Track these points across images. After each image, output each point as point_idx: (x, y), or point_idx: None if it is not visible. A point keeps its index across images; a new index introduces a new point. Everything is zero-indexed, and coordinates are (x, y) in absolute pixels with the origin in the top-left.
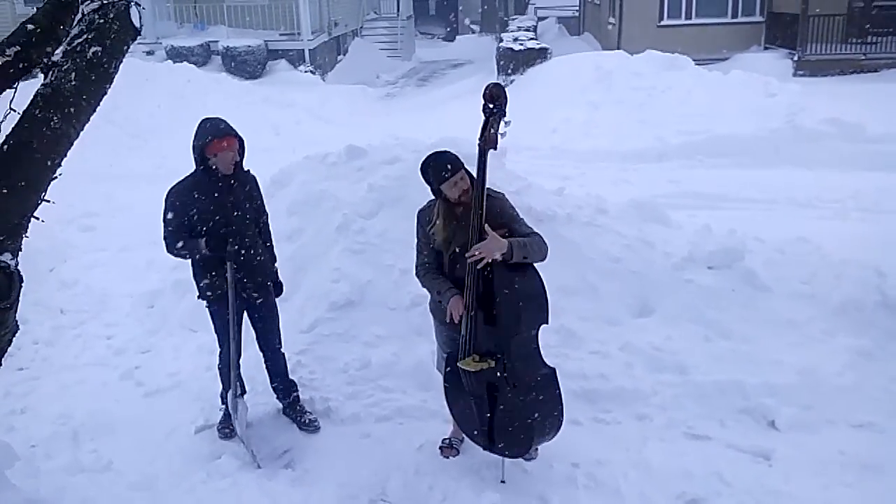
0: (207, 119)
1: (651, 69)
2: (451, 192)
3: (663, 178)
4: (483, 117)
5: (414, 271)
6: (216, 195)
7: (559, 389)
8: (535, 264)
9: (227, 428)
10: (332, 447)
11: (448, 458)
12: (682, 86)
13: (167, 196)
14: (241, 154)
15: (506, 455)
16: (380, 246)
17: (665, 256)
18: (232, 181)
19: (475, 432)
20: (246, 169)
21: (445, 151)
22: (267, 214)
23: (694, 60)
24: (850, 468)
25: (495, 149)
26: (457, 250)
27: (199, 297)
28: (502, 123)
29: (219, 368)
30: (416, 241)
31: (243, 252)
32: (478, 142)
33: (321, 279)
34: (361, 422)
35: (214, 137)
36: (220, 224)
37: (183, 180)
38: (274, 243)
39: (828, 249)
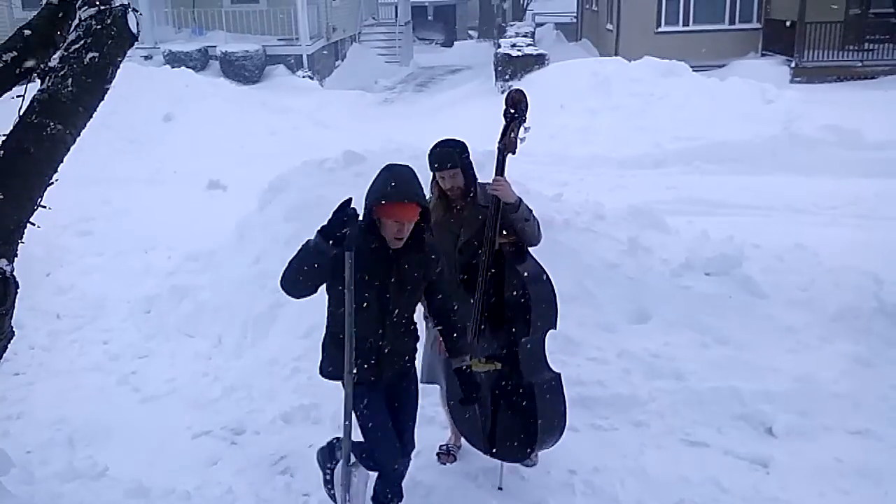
0: (392, 167)
1: (649, 76)
2: (442, 182)
3: (661, 184)
4: (504, 121)
5: None
6: (374, 266)
7: (563, 395)
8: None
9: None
10: None
11: (445, 464)
12: (679, 92)
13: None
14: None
15: (507, 460)
16: None
17: (663, 263)
18: (400, 258)
19: (476, 437)
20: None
21: (452, 145)
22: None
23: (691, 67)
24: (847, 475)
25: (514, 153)
26: (461, 250)
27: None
28: (522, 129)
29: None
30: None
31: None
32: (497, 145)
33: None
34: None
35: (384, 199)
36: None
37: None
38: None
39: (825, 256)
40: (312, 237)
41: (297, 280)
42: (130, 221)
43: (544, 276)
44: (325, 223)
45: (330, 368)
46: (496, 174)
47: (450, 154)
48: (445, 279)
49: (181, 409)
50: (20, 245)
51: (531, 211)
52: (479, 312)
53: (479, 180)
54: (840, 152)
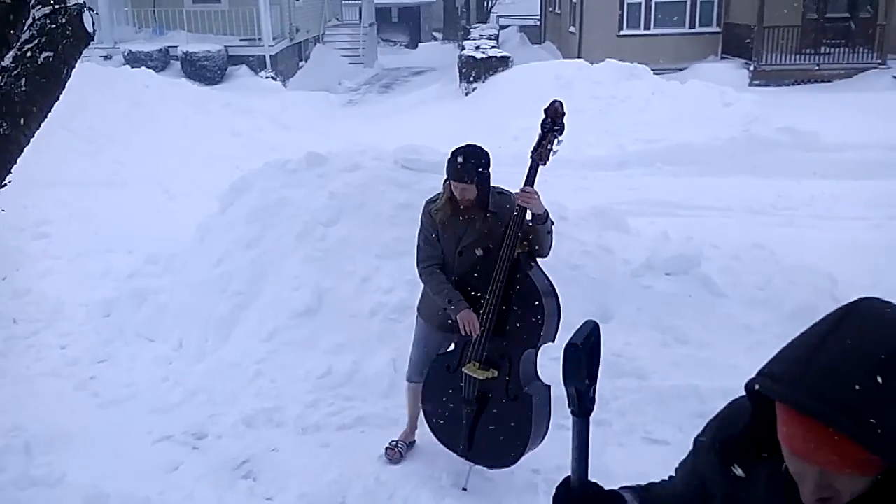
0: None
1: (610, 78)
2: (455, 190)
3: (623, 185)
4: (540, 131)
5: (417, 267)
6: None
7: (550, 406)
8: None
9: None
10: (292, 457)
11: (391, 459)
12: (640, 95)
13: None
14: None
15: (489, 465)
16: (340, 253)
17: (624, 263)
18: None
19: (453, 439)
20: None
21: (471, 158)
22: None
23: (652, 70)
24: None
25: (545, 164)
26: (461, 252)
27: None
28: (556, 141)
29: None
30: (418, 232)
31: None
32: (531, 154)
33: (281, 287)
34: (322, 430)
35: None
36: None
37: None
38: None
39: (782, 256)
40: None
41: None
42: (89, 224)
43: (553, 288)
44: None
45: None
46: (526, 184)
47: (467, 169)
48: None
49: (141, 413)
50: None
51: (553, 223)
52: (487, 317)
53: (493, 186)
54: (797, 154)
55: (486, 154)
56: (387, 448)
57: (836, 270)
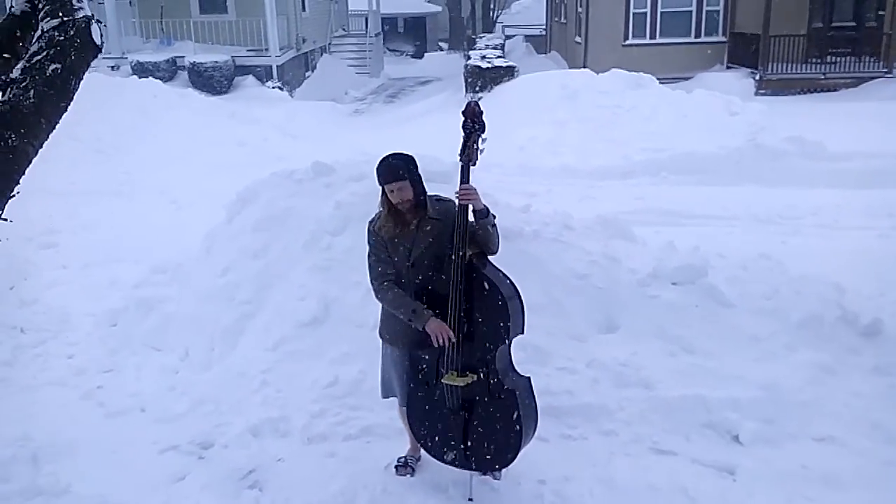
0: None
1: (616, 88)
2: (391, 195)
3: (628, 194)
4: (463, 134)
5: (372, 289)
6: None
7: (534, 396)
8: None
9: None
10: (298, 466)
11: (404, 476)
12: (646, 104)
13: None
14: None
15: (487, 469)
16: (347, 263)
17: (630, 272)
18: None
19: (445, 450)
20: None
21: (399, 158)
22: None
23: (658, 79)
24: (813, 482)
25: (475, 164)
26: (413, 264)
27: None
28: (481, 140)
29: None
30: (368, 253)
31: None
32: (460, 158)
33: (287, 296)
34: (328, 440)
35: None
36: None
37: None
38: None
39: (789, 266)
40: None
41: None
42: (96, 233)
43: (510, 281)
44: None
45: None
46: (462, 183)
47: (397, 167)
48: None
49: (147, 423)
50: None
51: (495, 217)
52: (456, 323)
53: (429, 193)
54: (803, 163)
55: (411, 156)
56: (397, 465)
57: (843, 280)
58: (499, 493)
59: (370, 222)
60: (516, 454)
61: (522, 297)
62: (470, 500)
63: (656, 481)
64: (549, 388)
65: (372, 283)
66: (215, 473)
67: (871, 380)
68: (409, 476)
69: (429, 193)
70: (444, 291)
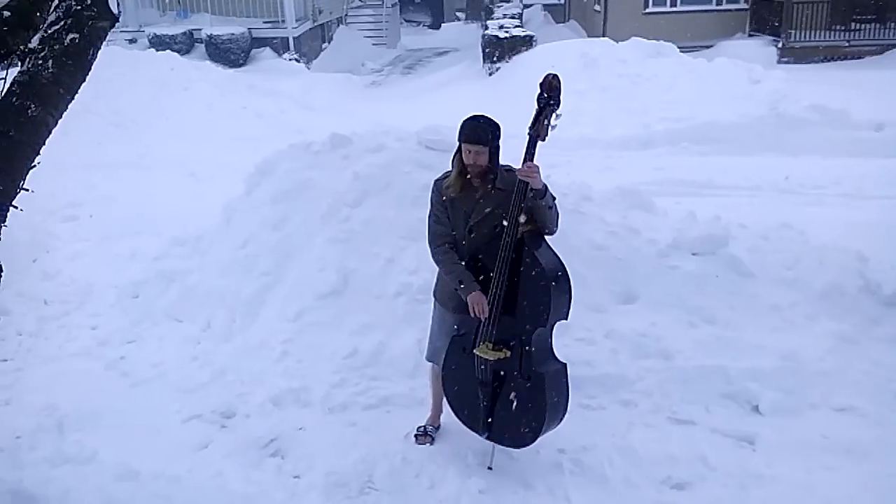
0: None
1: (636, 56)
2: (466, 155)
3: (648, 165)
4: (537, 107)
5: (429, 249)
6: None
7: (568, 385)
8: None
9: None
10: (319, 436)
11: (424, 444)
12: (667, 73)
13: None
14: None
15: (508, 445)
16: (365, 234)
17: (650, 243)
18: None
19: (474, 419)
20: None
21: (487, 122)
22: None
23: (679, 48)
24: (833, 452)
25: (544, 140)
26: (471, 231)
27: None
28: (554, 115)
29: None
30: (428, 213)
31: None
32: (529, 131)
33: (306, 268)
34: (348, 410)
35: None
36: None
37: None
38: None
39: (811, 235)
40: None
41: None
42: (117, 206)
43: (564, 267)
44: None
45: None
46: (526, 159)
47: (483, 130)
48: None
49: (170, 393)
50: (4, 229)
51: (555, 199)
52: (495, 297)
53: (502, 164)
54: (826, 132)
55: (499, 126)
56: (416, 434)
57: (865, 250)
58: (518, 462)
59: (436, 180)
60: (535, 438)
61: (572, 284)
62: (489, 468)
63: (675, 451)
64: (568, 358)
65: (429, 244)
66: (238, 442)
67: (893, 350)
68: (428, 445)
69: (502, 164)
70: (494, 264)
